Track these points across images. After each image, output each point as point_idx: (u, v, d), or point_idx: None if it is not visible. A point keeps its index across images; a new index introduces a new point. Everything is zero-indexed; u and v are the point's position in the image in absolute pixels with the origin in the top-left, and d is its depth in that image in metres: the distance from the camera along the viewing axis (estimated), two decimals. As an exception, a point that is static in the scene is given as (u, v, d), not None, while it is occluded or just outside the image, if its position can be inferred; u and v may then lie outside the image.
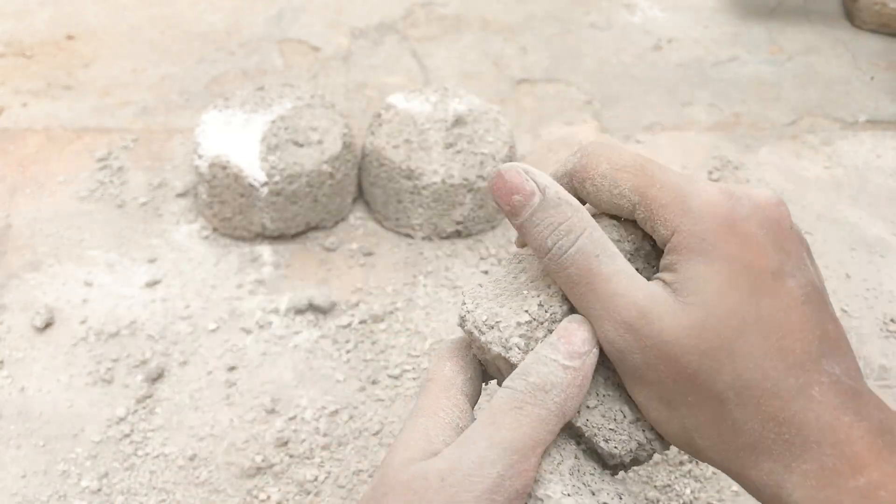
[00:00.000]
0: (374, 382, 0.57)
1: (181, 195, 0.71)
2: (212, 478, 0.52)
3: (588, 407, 0.31)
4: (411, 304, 0.63)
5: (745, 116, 0.87)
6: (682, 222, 0.29)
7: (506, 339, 0.31)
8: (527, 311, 0.32)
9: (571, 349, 0.30)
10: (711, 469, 0.52)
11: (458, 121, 0.68)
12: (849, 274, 0.67)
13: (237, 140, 0.65)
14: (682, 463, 0.52)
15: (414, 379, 0.58)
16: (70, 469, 0.51)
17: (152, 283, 0.63)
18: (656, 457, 0.52)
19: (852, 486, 0.27)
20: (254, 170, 0.64)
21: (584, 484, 0.30)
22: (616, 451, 0.31)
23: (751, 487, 0.30)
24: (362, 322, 0.61)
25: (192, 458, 0.52)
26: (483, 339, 0.32)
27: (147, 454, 0.52)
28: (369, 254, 0.67)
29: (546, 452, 0.30)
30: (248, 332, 0.60)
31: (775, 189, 0.76)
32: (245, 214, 0.66)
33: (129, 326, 0.60)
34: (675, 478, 0.52)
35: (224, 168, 0.64)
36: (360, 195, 0.72)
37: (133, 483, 0.51)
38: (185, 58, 0.91)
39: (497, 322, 0.32)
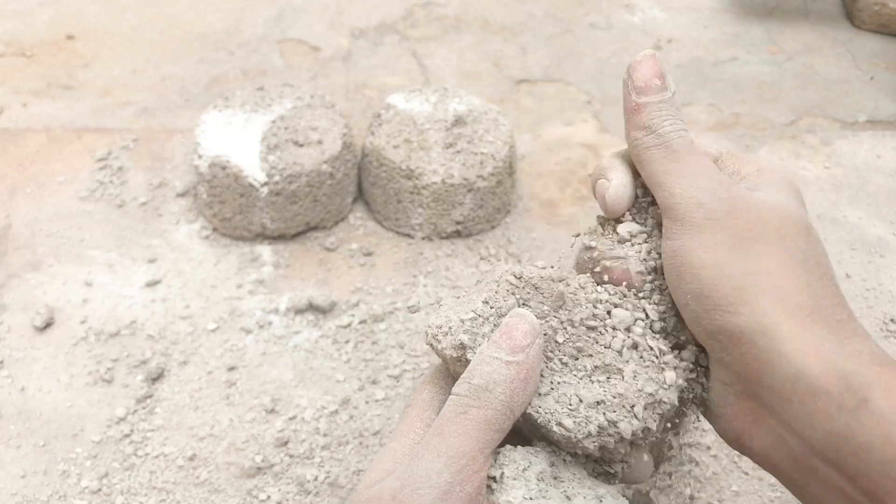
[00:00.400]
0: (373, 382, 0.57)
1: (181, 195, 0.71)
2: (212, 478, 0.52)
3: (540, 394, 0.31)
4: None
5: (744, 116, 0.87)
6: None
7: (454, 339, 0.32)
8: (472, 310, 0.32)
9: (513, 344, 0.30)
10: (711, 469, 0.52)
11: (458, 121, 0.68)
12: (849, 274, 0.67)
13: (237, 140, 0.65)
14: (681, 463, 0.52)
15: (413, 379, 0.58)
16: (70, 469, 0.51)
17: (152, 283, 0.63)
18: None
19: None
20: (254, 170, 0.64)
21: (557, 488, 0.30)
22: (570, 433, 0.30)
23: (784, 356, 0.30)
24: (362, 322, 0.61)
25: (192, 458, 0.52)
26: (440, 346, 0.32)
27: (147, 454, 0.52)
28: (369, 254, 0.67)
29: (511, 459, 0.30)
30: (248, 332, 0.60)
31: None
32: (245, 214, 0.66)
33: (129, 326, 0.60)
34: (675, 478, 0.52)
35: (224, 168, 0.64)
36: (360, 195, 0.72)
37: (133, 483, 0.51)
38: (185, 58, 0.91)
39: (450, 327, 0.32)
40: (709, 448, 0.53)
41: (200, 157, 0.66)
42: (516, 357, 0.30)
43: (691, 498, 0.51)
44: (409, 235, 0.68)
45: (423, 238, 0.68)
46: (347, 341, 0.60)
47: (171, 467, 0.52)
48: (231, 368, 0.58)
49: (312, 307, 0.62)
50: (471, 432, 0.29)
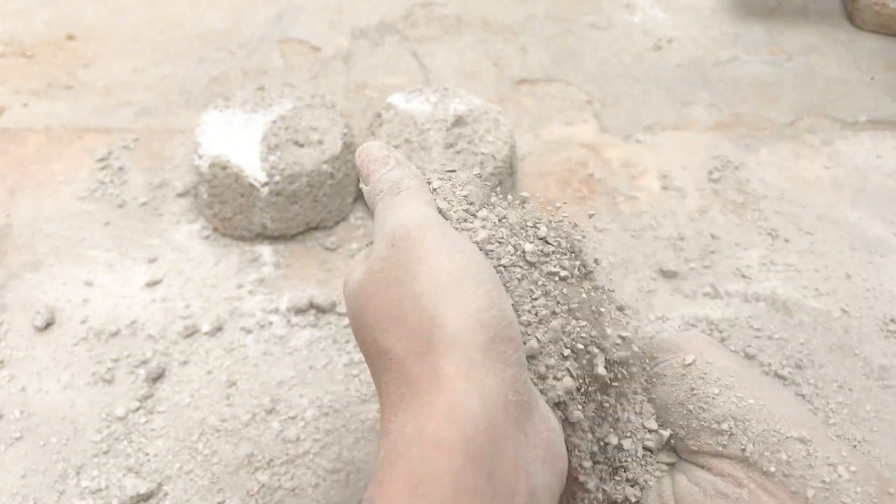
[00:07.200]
0: (374, 382, 0.57)
1: (181, 195, 0.71)
2: (212, 477, 0.51)
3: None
4: (411, 304, 0.63)
5: (745, 116, 0.87)
6: None
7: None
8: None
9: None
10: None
11: (458, 121, 0.68)
12: (849, 274, 0.67)
13: (237, 140, 0.65)
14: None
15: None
16: (70, 469, 0.51)
17: (152, 283, 0.63)
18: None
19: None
20: (254, 170, 0.64)
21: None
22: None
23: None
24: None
25: (192, 458, 0.52)
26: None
27: (147, 454, 0.52)
28: (369, 254, 0.67)
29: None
30: (248, 332, 0.60)
31: (775, 189, 0.76)
32: (245, 214, 0.66)
33: (130, 326, 0.60)
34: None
35: (224, 168, 0.64)
36: (361, 195, 0.72)
37: (133, 482, 0.51)
38: (185, 58, 0.91)
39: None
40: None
41: (201, 157, 0.66)
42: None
43: None
44: (409, 235, 0.68)
45: (424, 238, 0.68)
46: (347, 341, 0.60)
47: (171, 467, 0.52)
48: (231, 368, 0.58)
49: (313, 307, 0.62)
50: (414, 196, 0.33)
